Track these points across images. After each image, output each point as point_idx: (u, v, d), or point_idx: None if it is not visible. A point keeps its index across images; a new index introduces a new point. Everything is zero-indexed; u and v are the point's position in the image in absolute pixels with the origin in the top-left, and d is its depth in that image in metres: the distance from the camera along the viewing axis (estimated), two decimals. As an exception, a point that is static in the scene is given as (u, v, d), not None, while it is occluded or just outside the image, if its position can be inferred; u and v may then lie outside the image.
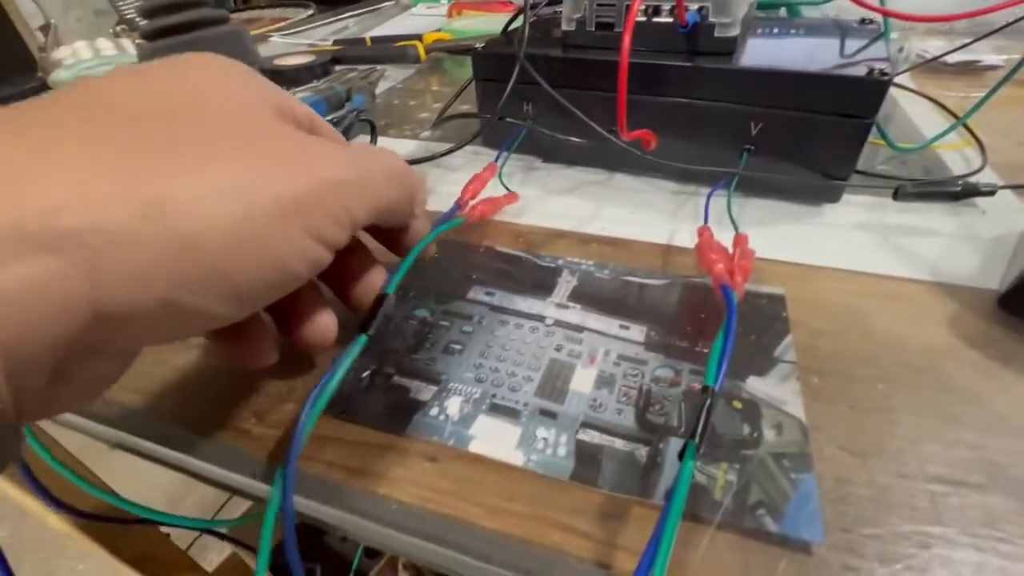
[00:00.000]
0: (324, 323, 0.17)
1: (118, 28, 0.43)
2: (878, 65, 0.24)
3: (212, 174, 0.11)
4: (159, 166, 0.11)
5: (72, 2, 0.41)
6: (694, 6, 0.27)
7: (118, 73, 0.13)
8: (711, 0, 0.26)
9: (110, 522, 0.44)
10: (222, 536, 0.63)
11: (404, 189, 0.16)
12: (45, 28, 0.38)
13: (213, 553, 0.90)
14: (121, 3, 0.46)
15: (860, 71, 0.24)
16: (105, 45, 0.39)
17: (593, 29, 0.29)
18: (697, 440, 0.14)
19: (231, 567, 0.71)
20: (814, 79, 0.24)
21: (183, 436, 0.18)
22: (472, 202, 0.26)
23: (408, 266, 0.19)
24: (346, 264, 0.18)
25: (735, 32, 0.27)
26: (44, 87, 0.57)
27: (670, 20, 0.27)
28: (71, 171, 0.10)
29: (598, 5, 0.29)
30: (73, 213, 0.10)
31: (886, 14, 0.28)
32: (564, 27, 0.30)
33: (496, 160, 0.30)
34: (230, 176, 0.12)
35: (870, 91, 0.23)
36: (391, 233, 0.19)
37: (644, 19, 0.28)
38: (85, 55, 0.38)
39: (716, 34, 0.27)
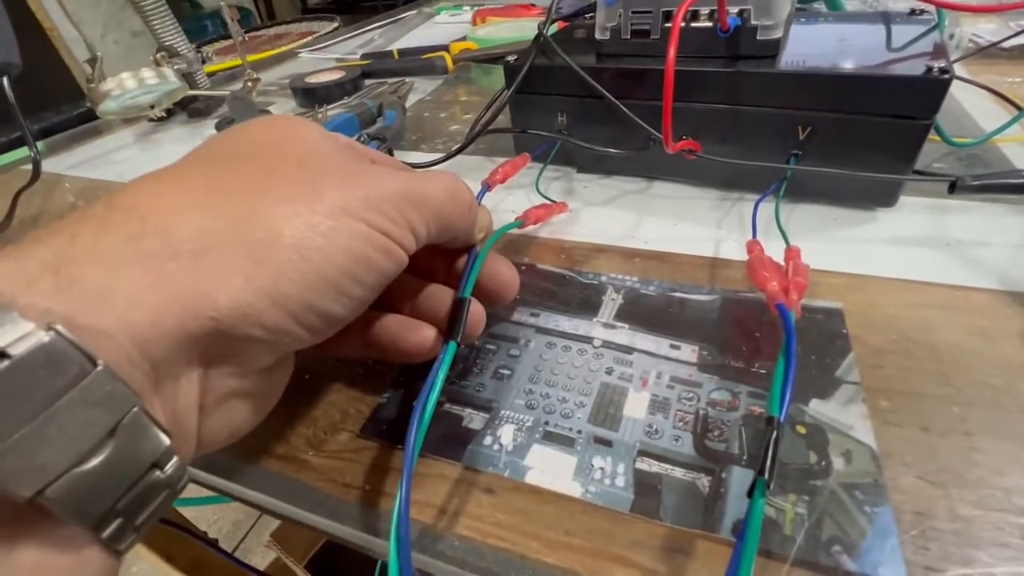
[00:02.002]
0: (423, 334, 0.18)
1: (159, 56, 0.44)
2: (936, 62, 0.22)
3: (298, 187, 0.14)
4: (244, 197, 0.13)
5: (110, 25, 0.43)
6: (734, 9, 0.26)
7: (226, 131, 0.16)
8: (753, 2, 0.25)
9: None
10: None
11: (459, 204, 0.17)
12: (92, 61, 0.39)
13: (256, 557, 0.93)
14: (159, 28, 0.48)
15: (917, 69, 0.23)
16: (148, 75, 0.40)
17: (628, 37, 0.29)
18: (767, 476, 0.13)
19: (275, 573, 0.73)
20: (867, 80, 0.23)
21: (243, 468, 0.18)
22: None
23: (477, 268, 0.18)
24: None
25: (778, 34, 0.26)
26: (92, 115, 0.59)
27: (709, 25, 0.26)
28: (177, 207, 0.13)
29: (633, 12, 0.28)
30: (176, 235, 0.12)
31: (940, 4, 0.27)
32: (598, 36, 0.30)
33: (534, 159, 0.30)
34: (297, 190, 0.14)
35: (929, 91, 0.22)
36: (455, 258, 0.20)
37: (683, 24, 0.27)
38: (130, 85, 0.39)
39: (759, 37, 0.26)
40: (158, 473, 0.11)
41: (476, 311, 0.18)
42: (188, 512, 0.53)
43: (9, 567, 0.09)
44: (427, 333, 0.18)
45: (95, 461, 0.10)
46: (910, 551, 0.14)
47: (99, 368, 0.10)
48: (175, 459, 0.12)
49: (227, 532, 0.99)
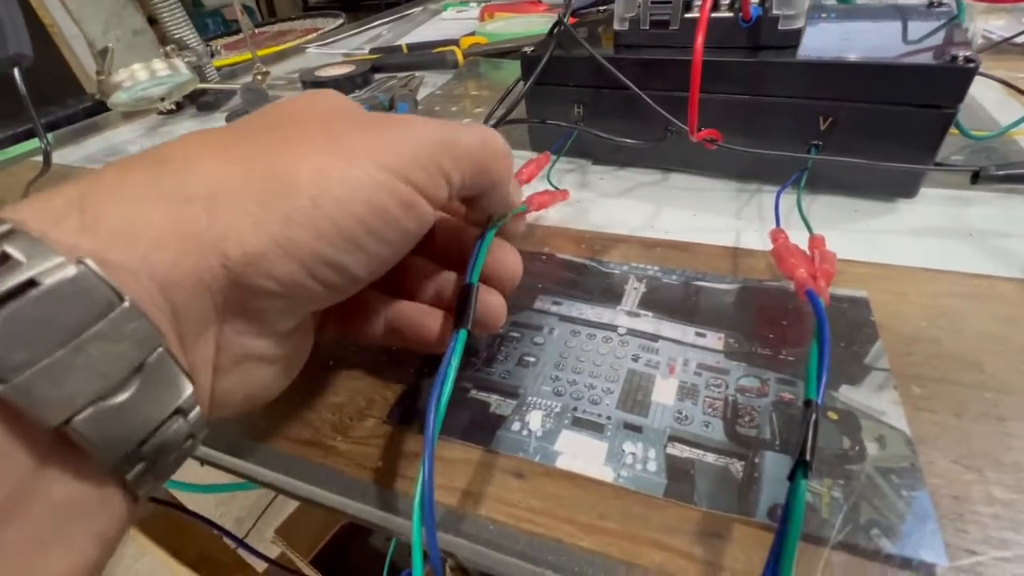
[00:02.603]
0: (496, 305, 0.18)
1: (168, 48, 0.44)
2: (961, 51, 0.22)
3: (324, 142, 0.14)
4: (265, 151, 0.13)
5: (111, 23, 0.43)
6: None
7: (265, 106, 0.16)
8: (775, -8, 0.25)
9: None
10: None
11: (491, 150, 0.16)
12: (103, 52, 0.39)
13: (258, 556, 0.92)
14: (169, 21, 0.47)
15: (942, 58, 0.23)
16: (160, 66, 0.40)
17: (648, 27, 0.28)
18: (809, 457, 0.13)
19: (280, 568, 0.73)
20: (892, 69, 0.23)
21: (269, 452, 0.18)
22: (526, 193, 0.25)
23: (483, 254, 0.18)
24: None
25: (800, 24, 0.26)
26: (97, 110, 0.59)
27: (730, 15, 0.26)
28: (206, 159, 0.13)
29: (652, 3, 0.28)
30: (200, 183, 0.12)
31: (961, -5, 0.27)
32: (616, 26, 0.30)
33: (552, 152, 0.30)
34: (318, 144, 0.14)
35: (955, 79, 0.22)
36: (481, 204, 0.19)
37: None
38: (142, 76, 0.39)
39: (780, 27, 0.26)
40: (181, 420, 0.11)
41: (495, 302, 0.18)
42: (193, 506, 0.52)
43: (37, 499, 0.09)
44: (498, 302, 0.17)
45: (122, 397, 0.10)
46: (949, 534, 0.14)
47: (126, 304, 0.10)
48: (197, 409, 0.12)
49: (230, 528, 0.99)
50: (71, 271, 0.09)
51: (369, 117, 0.15)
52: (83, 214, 0.11)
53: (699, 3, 0.27)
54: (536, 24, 0.59)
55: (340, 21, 0.98)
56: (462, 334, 0.16)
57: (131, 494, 0.11)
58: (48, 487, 0.09)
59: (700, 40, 0.21)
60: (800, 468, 0.13)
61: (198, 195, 0.12)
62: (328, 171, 0.13)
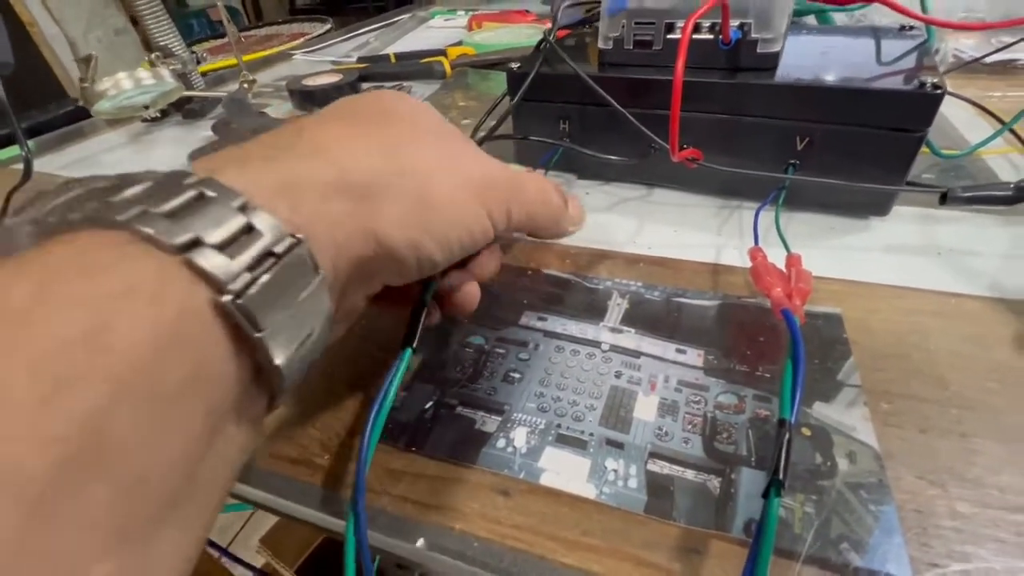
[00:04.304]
0: (472, 292, 0.20)
1: (153, 56, 0.44)
2: (928, 77, 0.23)
3: (437, 153, 0.17)
4: (395, 147, 0.16)
5: (93, 23, 0.42)
6: (735, 22, 0.26)
7: (349, 99, 0.18)
8: (754, 16, 0.26)
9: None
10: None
11: (548, 202, 0.20)
12: (86, 60, 0.39)
13: (243, 566, 0.91)
14: (154, 28, 0.47)
15: (911, 84, 0.23)
16: (144, 75, 0.40)
17: (631, 47, 0.29)
18: (782, 477, 0.14)
19: (266, 577, 0.72)
20: (864, 94, 0.24)
21: (259, 472, 0.18)
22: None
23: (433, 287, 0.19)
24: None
25: (778, 47, 0.26)
26: (79, 115, 0.58)
27: (710, 37, 0.27)
28: (354, 151, 0.15)
29: (636, 24, 0.29)
30: (358, 173, 0.15)
31: (929, 22, 0.28)
32: (601, 45, 0.30)
33: (540, 166, 0.31)
34: (449, 158, 0.17)
35: (923, 104, 0.23)
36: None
37: (684, 36, 0.28)
38: (126, 86, 0.38)
39: (759, 50, 0.26)
40: None
41: (470, 291, 0.20)
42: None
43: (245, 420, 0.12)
44: (474, 290, 0.20)
45: (310, 341, 0.12)
46: (914, 548, 0.14)
47: (320, 276, 0.12)
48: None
49: (214, 537, 0.97)
50: (299, 249, 0.12)
51: (462, 138, 0.19)
52: (288, 198, 0.13)
53: (681, 24, 0.28)
54: (524, 35, 0.59)
55: (327, 26, 0.98)
56: (407, 352, 0.17)
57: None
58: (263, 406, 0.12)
59: (680, 64, 0.21)
60: (773, 487, 0.14)
61: (358, 184, 0.15)
62: (452, 195, 0.16)
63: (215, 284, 0.10)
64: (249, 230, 0.11)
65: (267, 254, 0.11)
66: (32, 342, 0.08)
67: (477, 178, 0.17)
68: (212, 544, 0.56)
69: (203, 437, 0.10)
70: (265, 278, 0.11)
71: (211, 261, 0.10)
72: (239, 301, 0.10)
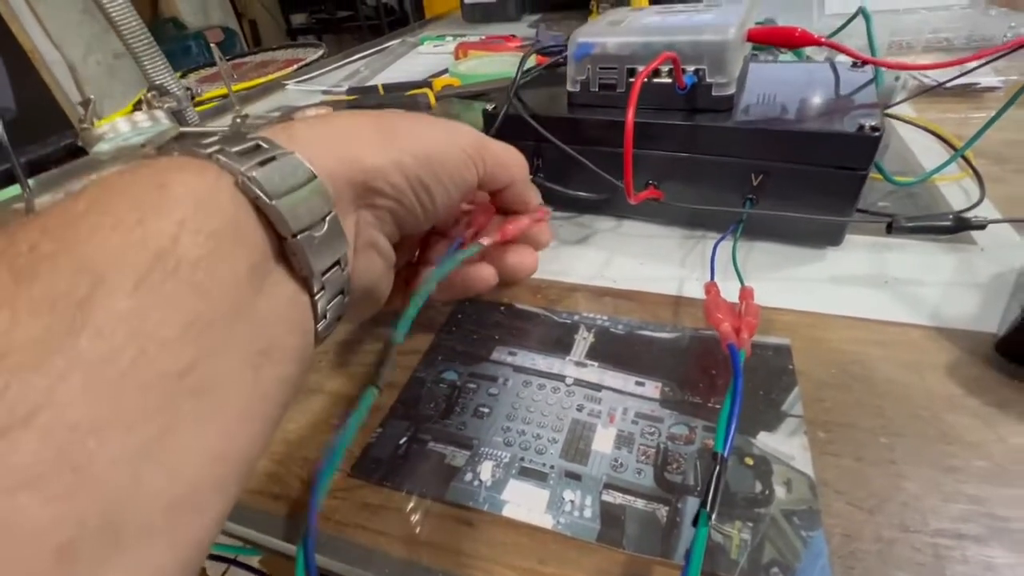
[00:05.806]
0: (484, 274, 0.24)
1: (149, 95, 0.46)
2: (869, 120, 0.25)
3: (414, 118, 0.21)
4: (383, 120, 0.20)
5: (92, 46, 0.44)
6: (691, 68, 0.28)
7: (359, 112, 0.21)
8: (707, 63, 0.28)
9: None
10: (252, 569, 0.65)
11: (512, 157, 0.24)
12: (85, 104, 0.41)
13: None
14: (150, 69, 0.49)
15: (851, 126, 0.25)
16: (141, 118, 0.42)
17: (596, 90, 0.31)
18: (709, 508, 0.15)
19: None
20: (807, 136, 0.26)
21: (242, 510, 0.20)
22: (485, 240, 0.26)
23: (416, 310, 0.19)
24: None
25: (731, 91, 0.28)
26: (79, 149, 0.60)
27: (669, 81, 0.29)
28: (357, 143, 0.19)
29: (600, 68, 0.30)
30: (346, 129, 0.19)
31: (877, 64, 0.30)
32: (569, 87, 0.32)
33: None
34: (426, 121, 0.21)
35: (862, 146, 0.25)
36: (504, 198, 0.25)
37: (645, 80, 0.29)
38: (123, 128, 0.40)
39: (714, 93, 0.28)
40: (339, 270, 0.17)
41: (526, 259, 0.25)
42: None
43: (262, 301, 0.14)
44: (488, 273, 0.24)
45: (319, 233, 0.16)
46: (838, 572, 0.16)
47: (332, 213, 0.16)
48: (348, 268, 0.18)
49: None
50: (291, 157, 0.16)
51: (449, 121, 0.23)
52: (297, 146, 0.16)
53: (641, 69, 0.29)
54: (507, 64, 0.61)
55: (320, 52, 1.01)
56: (371, 391, 0.18)
57: (316, 318, 0.16)
58: (273, 289, 0.15)
59: (631, 114, 0.23)
60: (702, 516, 0.15)
61: (342, 136, 0.18)
62: (433, 135, 0.20)
63: (239, 176, 0.15)
64: (267, 154, 0.16)
65: (306, 181, 0.16)
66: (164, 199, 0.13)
67: (449, 126, 0.21)
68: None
69: (252, 282, 0.14)
70: (271, 165, 0.15)
71: (241, 165, 0.15)
72: (258, 180, 0.15)
